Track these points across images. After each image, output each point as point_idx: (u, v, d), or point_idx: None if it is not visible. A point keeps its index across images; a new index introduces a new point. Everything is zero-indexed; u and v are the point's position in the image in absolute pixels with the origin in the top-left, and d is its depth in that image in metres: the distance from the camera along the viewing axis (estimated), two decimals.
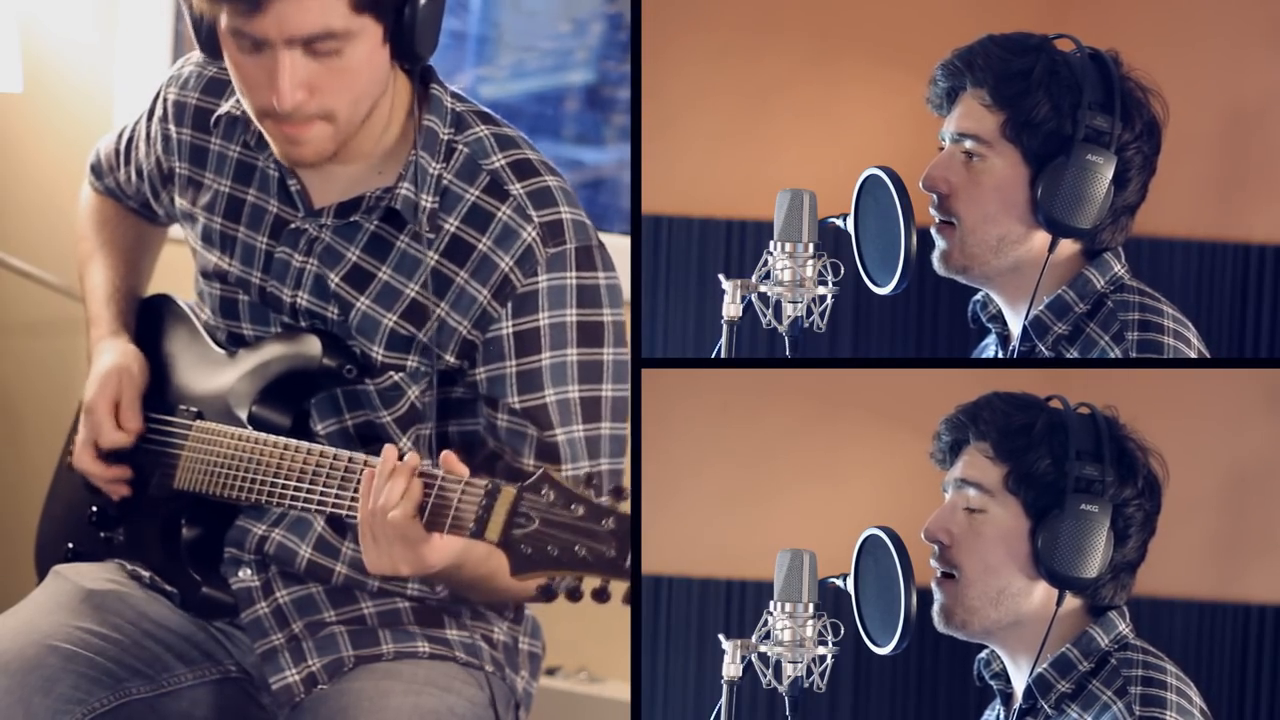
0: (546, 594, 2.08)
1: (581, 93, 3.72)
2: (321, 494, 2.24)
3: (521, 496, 2.04)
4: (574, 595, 2.04)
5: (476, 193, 2.30)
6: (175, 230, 2.56)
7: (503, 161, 2.31)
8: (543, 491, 2.04)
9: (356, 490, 2.19)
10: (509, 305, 2.28)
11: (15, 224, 3.78)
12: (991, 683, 2.20)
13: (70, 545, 2.49)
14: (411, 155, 2.30)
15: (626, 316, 2.35)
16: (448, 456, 2.12)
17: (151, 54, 3.73)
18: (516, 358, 2.29)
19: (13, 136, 3.78)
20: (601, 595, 2.03)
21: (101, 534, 2.47)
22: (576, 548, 2.01)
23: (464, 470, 2.11)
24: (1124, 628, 2.14)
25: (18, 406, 3.87)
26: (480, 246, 2.28)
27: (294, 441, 2.28)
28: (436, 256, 2.30)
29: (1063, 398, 2.13)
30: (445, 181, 2.31)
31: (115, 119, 3.63)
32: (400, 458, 2.13)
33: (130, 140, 2.56)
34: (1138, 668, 2.10)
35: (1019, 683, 2.16)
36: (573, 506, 2.02)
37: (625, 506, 2.03)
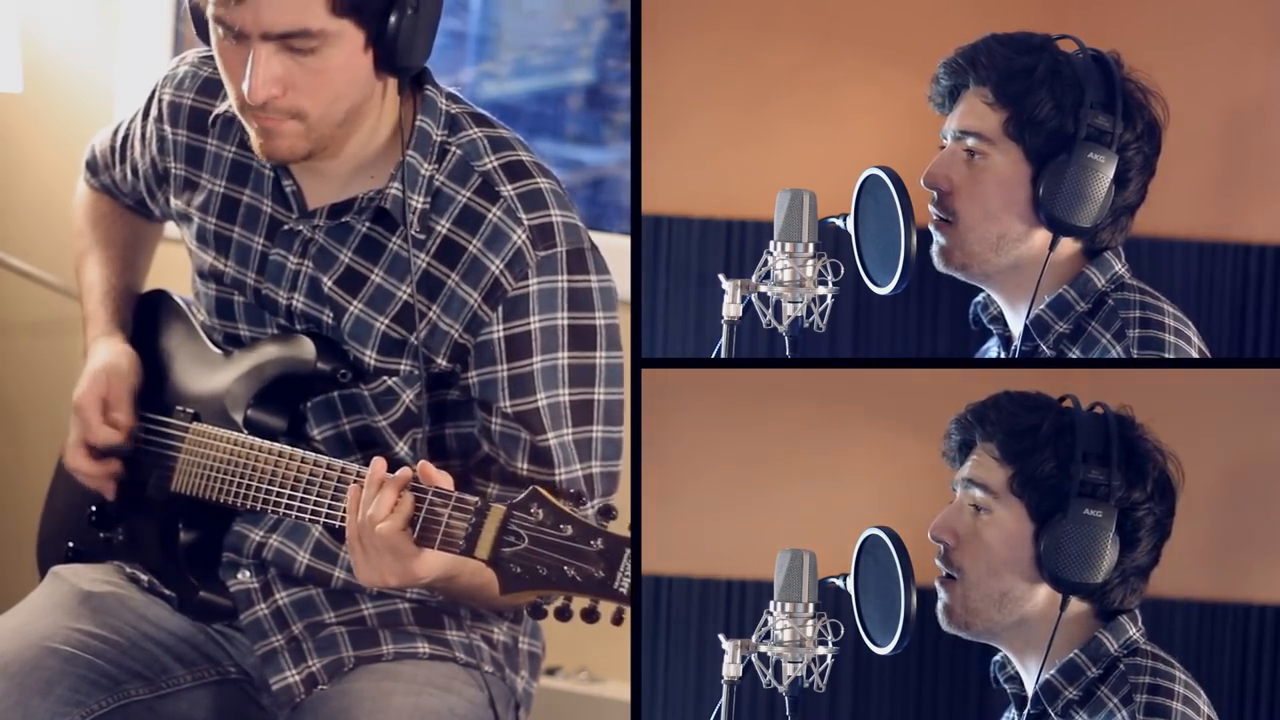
0: (536, 612, 2.08)
1: (583, 92, 3.71)
2: (315, 503, 2.23)
3: (511, 515, 2.04)
4: (563, 615, 2.04)
5: (468, 194, 2.30)
6: (172, 228, 2.56)
7: (495, 163, 2.31)
8: (532, 510, 2.04)
9: None
10: (500, 309, 2.27)
11: (15, 224, 3.78)
12: (1006, 686, 2.19)
13: (70, 544, 2.49)
14: (402, 156, 2.30)
15: (624, 319, 2.34)
16: (424, 466, 2.12)
17: (151, 54, 3.72)
18: (507, 362, 2.28)
19: (13, 136, 3.78)
20: (591, 615, 2.04)
21: (101, 534, 2.47)
22: (565, 568, 2.01)
23: (440, 479, 2.11)
24: (1134, 632, 2.13)
25: (18, 406, 3.87)
26: (470, 248, 2.28)
27: (289, 449, 2.28)
28: (428, 259, 2.29)
29: (1075, 397, 2.13)
30: (437, 183, 2.31)
31: (115, 119, 3.63)
32: (394, 469, 2.13)
33: (125, 138, 2.56)
34: (1145, 674, 2.09)
35: (1030, 686, 2.16)
36: (561, 526, 2.02)
37: (615, 527, 2.03)
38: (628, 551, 2.00)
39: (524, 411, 2.28)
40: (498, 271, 2.27)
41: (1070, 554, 2.09)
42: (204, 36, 2.28)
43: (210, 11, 2.21)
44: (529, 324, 2.27)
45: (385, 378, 2.32)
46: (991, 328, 2.28)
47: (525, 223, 2.27)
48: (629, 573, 2.00)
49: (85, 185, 2.65)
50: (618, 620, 2.03)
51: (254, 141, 2.27)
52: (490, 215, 2.28)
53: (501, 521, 2.05)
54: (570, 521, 2.02)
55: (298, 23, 2.17)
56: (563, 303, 2.28)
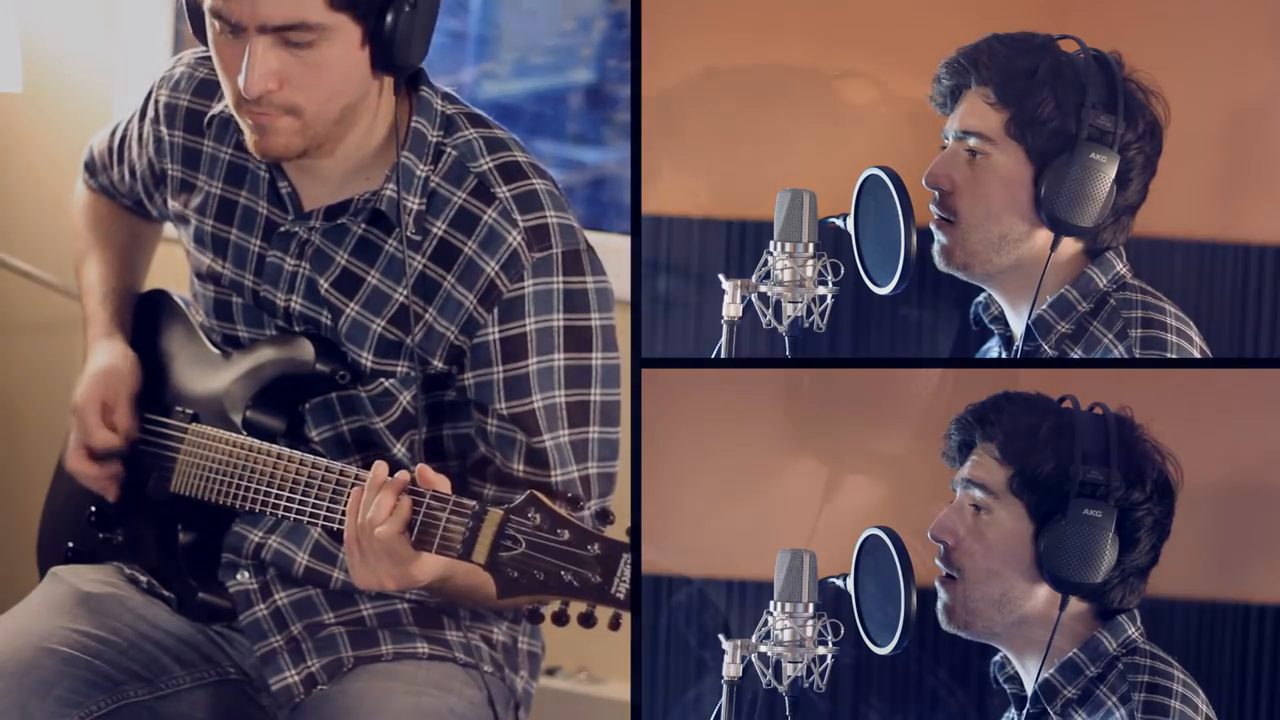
0: (534, 616, 2.08)
1: (583, 92, 3.71)
2: (314, 505, 2.23)
3: (508, 519, 2.04)
4: (560, 620, 2.04)
5: (464, 195, 2.30)
6: (171, 228, 2.56)
7: (490, 164, 2.31)
8: (529, 514, 2.04)
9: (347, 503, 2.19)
10: (495, 311, 2.27)
11: (15, 224, 3.78)
12: (1006, 686, 2.20)
13: (70, 545, 2.49)
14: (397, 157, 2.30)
15: (624, 319, 2.34)
16: (422, 469, 2.12)
17: (151, 54, 3.72)
18: (503, 364, 2.28)
19: (13, 136, 3.78)
20: (587, 620, 2.03)
21: (100, 535, 2.46)
22: (562, 573, 2.01)
23: (438, 482, 2.11)
24: (1133, 632, 2.13)
25: (18, 406, 3.87)
26: (466, 250, 2.28)
27: (288, 450, 2.27)
28: (423, 260, 2.29)
29: (1074, 398, 2.13)
30: (433, 184, 2.30)
31: (115, 119, 3.62)
32: (392, 472, 2.12)
33: (123, 139, 2.56)
34: (1144, 673, 2.10)
35: (1030, 685, 2.16)
36: (559, 531, 2.02)
37: (613, 530, 2.02)
38: (625, 556, 2.00)
39: (520, 413, 2.28)
40: (493, 273, 2.27)
41: (1070, 554, 2.09)
42: (200, 34, 2.28)
43: (207, 5, 2.21)
44: (524, 326, 2.27)
45: (382, 379, 2.32)
46: (993, 327, 2.28)
47: (520, 224, 2.27)
48: (626, 578, 2.00)
49: (84, 186, 2.65)
50: (615, 626, 2.03)
51: (248, 139, 2.26)
52: (485, 217, 2.28)
53: (499, 526, 2.05)
54: (568, 526, 2.02)
55: (295, 15, 2.17)
56: (558, 304, 2.28)
